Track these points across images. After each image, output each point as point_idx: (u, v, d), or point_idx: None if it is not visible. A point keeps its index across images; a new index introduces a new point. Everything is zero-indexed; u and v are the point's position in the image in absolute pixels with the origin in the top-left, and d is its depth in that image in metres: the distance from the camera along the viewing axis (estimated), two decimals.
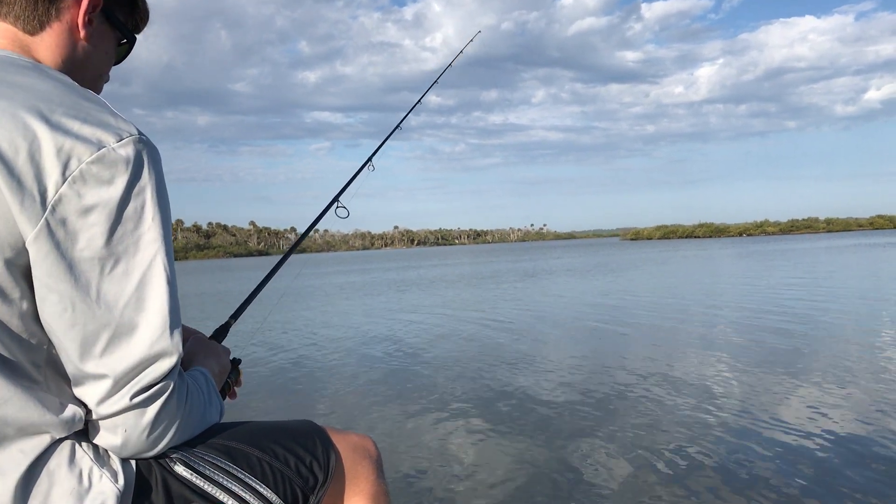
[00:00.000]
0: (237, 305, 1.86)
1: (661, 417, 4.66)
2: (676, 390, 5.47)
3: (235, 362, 1.52)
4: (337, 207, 2.38)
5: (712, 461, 3.73)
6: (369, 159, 2.64)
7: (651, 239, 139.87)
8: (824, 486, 3.29)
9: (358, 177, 2.55)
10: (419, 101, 3.18)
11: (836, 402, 4.89)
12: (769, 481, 3.40)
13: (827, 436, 4.10)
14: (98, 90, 1.29)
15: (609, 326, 9.75)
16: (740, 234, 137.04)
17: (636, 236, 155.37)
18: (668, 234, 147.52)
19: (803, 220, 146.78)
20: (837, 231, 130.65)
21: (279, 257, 2.16)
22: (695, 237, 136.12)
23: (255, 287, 1.96)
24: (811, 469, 3.55)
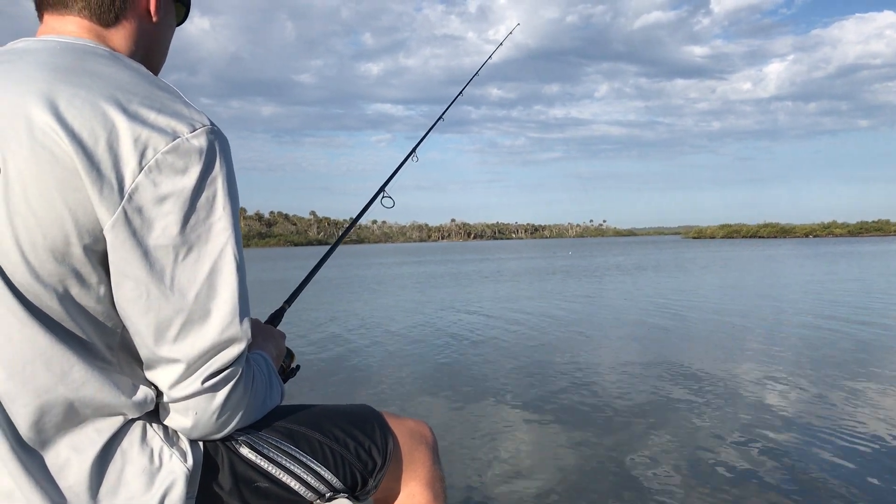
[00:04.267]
0: (296, 298, 1.91)
1: (719, 419, 4.57)
2: (736, 392, 5.35)
3: (289, 350, 1.56)
4: (383, 198, 2.42)
5: (771, 465, 3.64)
6: (413, 151, 2.71)
7: (714, 238, 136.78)
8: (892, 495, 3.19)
9: (404, 167, 2.60)
10: (460, 92, 3.23)
11: None
12: (830, 488, 3.30)
13: (889, 443, 3.96)
14: (163, 62, 1.32)
15: (670, 324, 9.58)
16: (806, 235, 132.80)
17: (699, 235, 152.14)
18: (732, 233, 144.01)
19: (873, 221, 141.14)
20: None
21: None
22: (759, 237, 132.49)
23: (307, 273, 2.01)
24: (876, 477, 3.43)
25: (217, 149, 1.04)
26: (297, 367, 1.58)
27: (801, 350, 7.33)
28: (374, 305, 13.89)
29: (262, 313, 1.68)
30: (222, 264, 1.04)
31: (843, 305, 11.41)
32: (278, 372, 1.44)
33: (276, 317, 1.73)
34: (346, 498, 1.25)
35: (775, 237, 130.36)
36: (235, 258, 1.06)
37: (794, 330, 8.84)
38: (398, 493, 1.35)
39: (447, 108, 3.05)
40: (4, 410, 0.98)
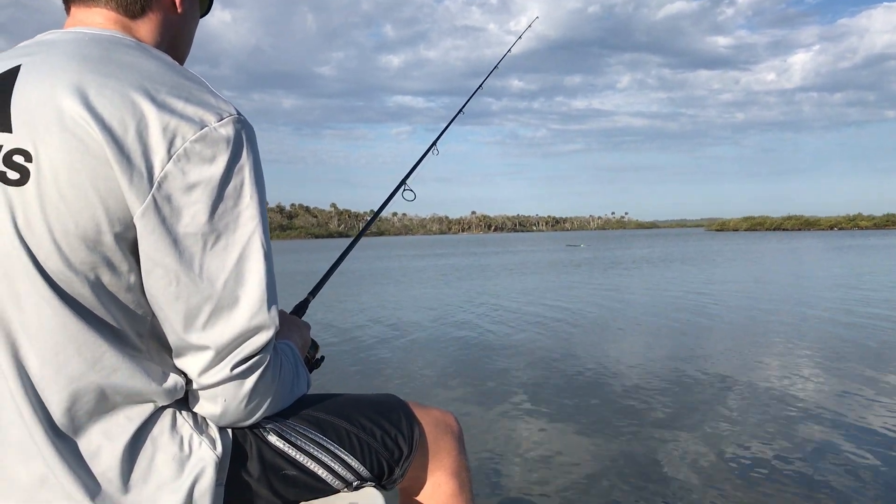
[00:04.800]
0: (320, 289, 1.92)
1: (745, 415, 4.53)
2: (763, 388, 5.30)
3: (314, 342, 1.57)
4: (404, 191, 2.43)
5: (797, 462, 3.61)
6: (433, 144, 2.72)
7: (737, 230, 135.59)
8: None
9: (425, 160, 2.61)
10: (479, 86, 3.21)
11: None
12: (859, 487, 3.27)
13: None
14: (188, 53, 1.32)
15: (694, 319, 9.52)
16: (831, 228, 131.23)
17: (722, 227, 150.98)
18: (755, 225, 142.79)
19: None
20: None
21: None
22: (783, 230, 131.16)
23: (331, 265, 2.03)
24: None
25: (244, 138, 1.05)
26: (322, 357, 1.59)
27: (835, 345, 7.25)
28: (399, 297, 13.93)
29: (287, 305, 1.69)
30: (250, 252, 1.05)
31: (877, 299, 11.26)
32: (304, 362, 1.44)
33: (301, 308, 1.74)
34: (373, 486, 1.25)
35: (799, 230, 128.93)
36: (263, 246, 1.06)
37: (827, 325, 8.74)
38: (424, 482, 1.35)
39: (467, 102, 3.06)
40: (39, 396, 0.99)
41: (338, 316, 10.52)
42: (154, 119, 0.98)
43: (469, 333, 8.47)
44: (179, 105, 1.01)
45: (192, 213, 1.00)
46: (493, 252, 43.46)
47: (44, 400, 0.99)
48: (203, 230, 1.01)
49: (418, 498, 1.37)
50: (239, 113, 1.06)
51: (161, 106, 0.99)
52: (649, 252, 35.69)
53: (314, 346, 1.56)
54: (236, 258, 1.04)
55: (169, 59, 1.12)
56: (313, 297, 1.83)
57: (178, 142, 0.99)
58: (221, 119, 1.02)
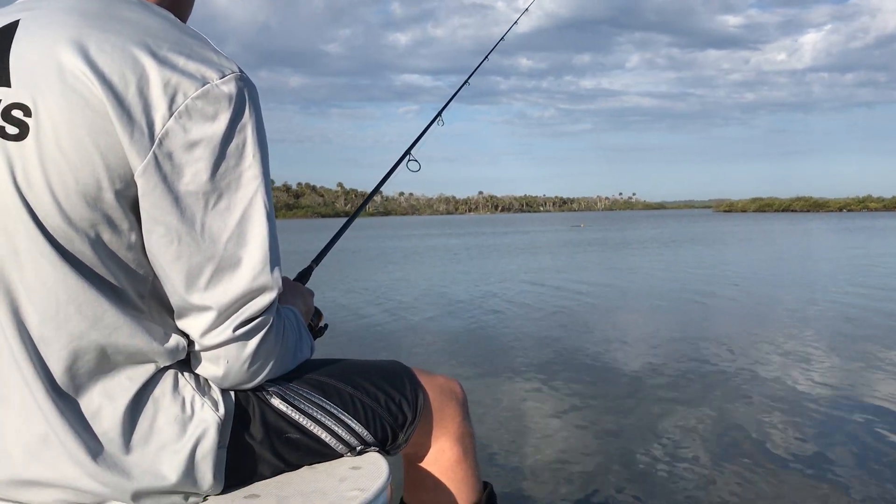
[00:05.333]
0: (324, 257, 1.94)
1: (752, 398, 4.51)
2: (771, 370, 5.29)
3: (318, 310, 1.56)
4: (409, 161, 2.43)
5: (805, 448, 3.60)
6: (439, 114, 2.70)
7: (745, 212, 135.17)
8: None
9: (430, 133, 2.60)
10: (486, 57, 3.18)
11: None
12: (867, 473, 3.26)
13: None
14: (190, 12, 1.30)
15: (704, 300, 9.51)
16: (840, 209, 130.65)
17: (730, 208, 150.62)
18: (764, 207, 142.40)
19: None
20: None
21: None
22: (791, 211, 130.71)
23: (334, 234, 2.05)
24: None
25: (246, 96, 1.03)
26: (326, 325, 1.58)
27: (850, 329, 7.23)
28: (407, 274, 13.94)
29: (291, 274, 1.69)
30: (252, 212, 1.03)
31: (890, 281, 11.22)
32: (307, 328, 1.44)
33: (304, 275, 1.74)
34: (377, 451, 1.25)
35: (808, 211, 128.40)
36: (265, 206, 1.05)
37: (842, 308, 8.72)
38: (428, 448, 1.35)
39: (473, 72, 3.05)
40: (40, 355, 0.98)
41: (345, 293, 10.53)
42: (155, 75, 0.96)
43: (475, 311, 8.47)
44: (181, 61, 0.99)
45: (194, 171, 0.99)
46: (502, 232, 43.44)
47: (44, 358, 0.98)
48: (205, 189, 1.00)
49: (422, 464, 1.36)
50: (241, 70, 1.04)
51: (162, 62, 0.97)
52: (658, 233, 35.60)
53: (317, 313, 1.55)
54: (238, 218, 1.02)
55: (171, 16, 1.10)
56: (317, 265, 1.82)
57: (179, 98, 0.97)
58: (224, 76, 1.00)
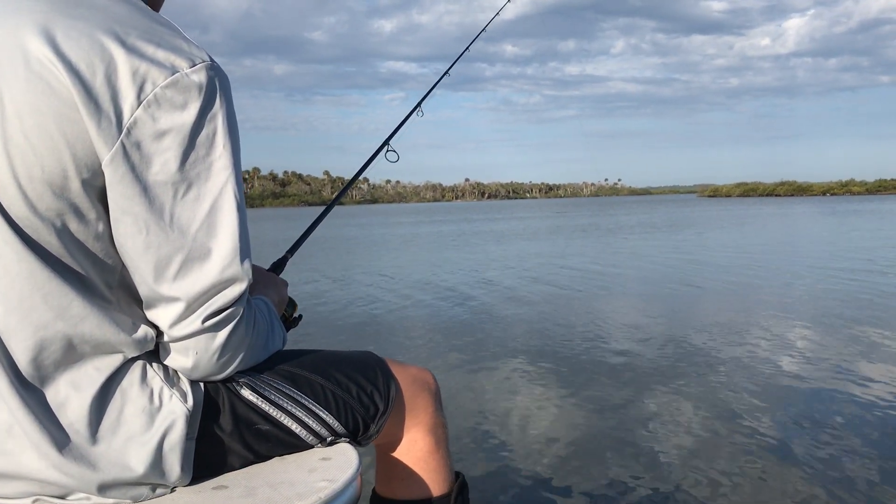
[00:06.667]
0: (299, 247, 1.92)
1: (738, 380, 4.54)
2: (758, 352, 5.33)
3: (292, 301, 1.55)
4: (387, 151, 2.43)
5: (791, 429, 3.63)
6: (418, 105, 2.69)
7: (730, 196, 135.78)
8: None
9: (411, 123, 2.60)
10: (466, 48, 3.19)
11: None
12: (856, 456, 3.30)
13: None
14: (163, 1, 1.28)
15: (687, 285, 9.56)
16: (824, 193, 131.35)
17: (714, 193, 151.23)
18: (748, 191, 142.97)
19: (892, 179, 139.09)
20: None
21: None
22: (776, 195, 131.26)
23: (310, 224, 2.03)
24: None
25: (217, 85, 1.02)
26: (300, 316, 1.58)
27: (829, 308, 7.30)
28: (394, 263, 13.92)
29: (266, 264, 1.68)
30: (222, 203, 1.03)
31: (880, 260, 11.31)
32: (280, 319, 1.43)
33: (279, 265, 1.73)
34: (348, 443, 1.25)
35: (792, 195, 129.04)
36: (236, 197, 1.04)
37: (834, 287, 8.79)
38: (400, 438, 1.35)
39: (452, 64, 3.07)
40: (4, 346, 0.98)
41: (326, 282, 10.50)
42: (123, 63, 0.95)
43: (456, 298, 8.45)
44: (150, 50, 0.98)
45: (163, 161, 0.98)
46: (491, 219, 43.45)
47: (9, 349, 0.98)
48: (174, 179, 0.99)
49: (394, 454, 1.37)
50: (212, 59, 1.03)
51: (131, 50, 0.96)
52: (647, 218, 35.71)
53: (292, 304, 1.54)
54: (208, 208, 1.02)
55: (141, 3, 1.08)
56: (291, 255, 1.81)
57: (148, 87, 0.96)
58: (194, 65, 1.00)
